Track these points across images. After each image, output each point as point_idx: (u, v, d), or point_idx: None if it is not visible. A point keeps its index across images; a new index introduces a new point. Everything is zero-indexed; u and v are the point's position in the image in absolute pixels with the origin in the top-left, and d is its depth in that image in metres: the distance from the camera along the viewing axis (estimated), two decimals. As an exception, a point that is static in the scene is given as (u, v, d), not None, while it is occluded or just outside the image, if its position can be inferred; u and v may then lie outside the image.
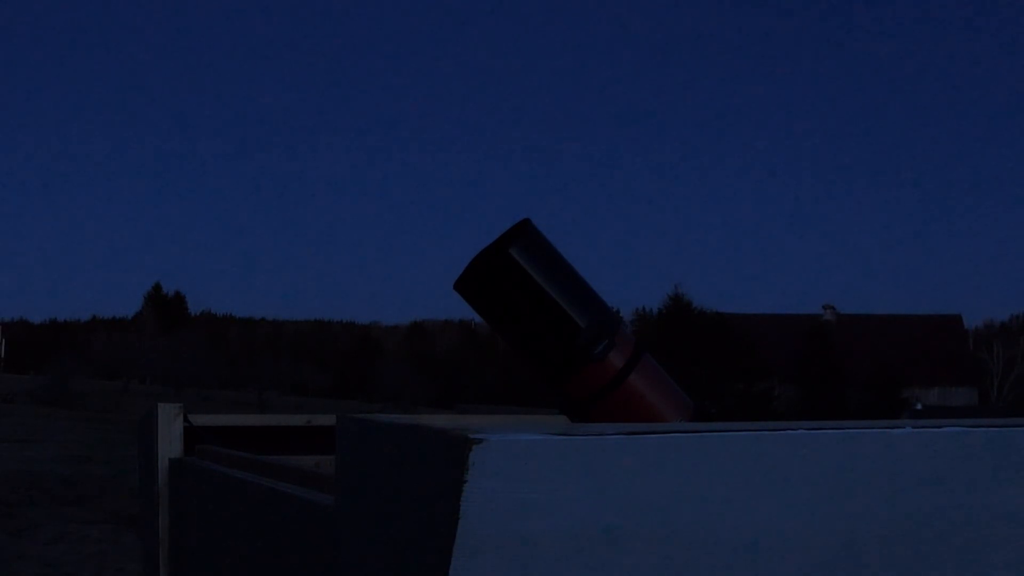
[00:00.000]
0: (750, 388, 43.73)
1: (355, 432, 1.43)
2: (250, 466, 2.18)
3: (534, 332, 1.94)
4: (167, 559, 2.58)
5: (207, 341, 57.06)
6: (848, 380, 46.38)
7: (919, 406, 44.73)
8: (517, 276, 1.90)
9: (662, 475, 1.23)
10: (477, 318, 2.09)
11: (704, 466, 1.25)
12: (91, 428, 23.25)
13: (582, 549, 1.21)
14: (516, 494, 1.17)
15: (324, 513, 1.64)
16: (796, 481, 1.30)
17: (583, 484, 1.19)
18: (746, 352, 44.61)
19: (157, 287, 69.62)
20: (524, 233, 1.93)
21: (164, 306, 66.89)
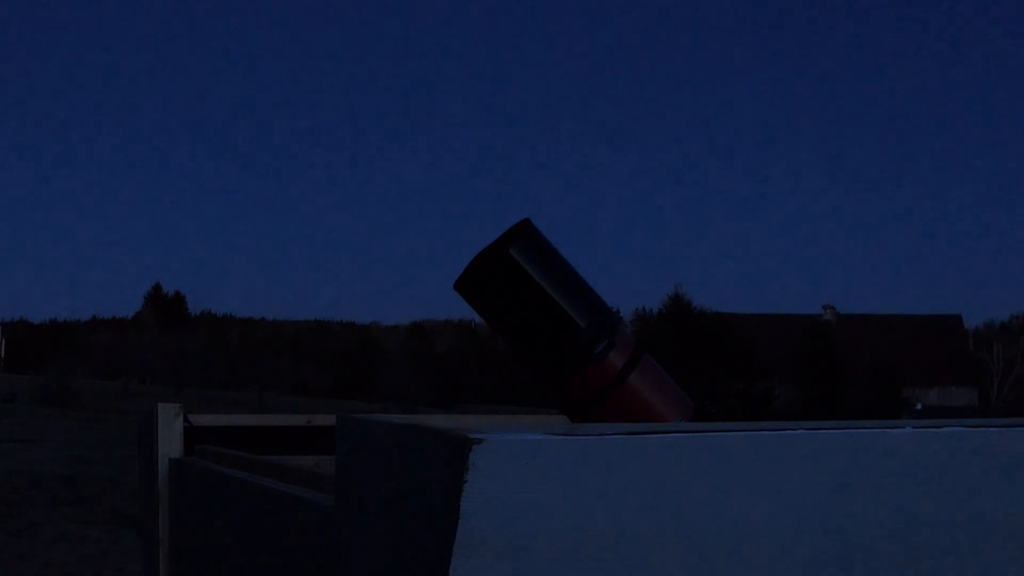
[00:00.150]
0: (750, 388, 43.73)
1: (355, 432, 1.43)
2: (250, 466, 2.18)
3: (534, 332, 1.94)
4: (167, 559, 2.58)
5: (207, 341, 57.06)
6: (848, 380, 46.37)
7: (919, 406, 44.74)
8: (517, 276, 1.90)
9: (662, 475, 1.23)
10: (477, 318, 2.09)
11: (704, 466, 1.25)
12: (91, 428, 23.26)
13: (582, 549, 1.21)
14: (516, 494, 1.17)
15: (324, 513, 1.64)
16: (796, 481, 1.30)
17: (583, 484, 1.19)
18: (746, 352, 44.61)
19: (157, 287, 69.68)
20: (524, 233, 1.93)
21: (164, 306, 66.90)
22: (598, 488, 1.20)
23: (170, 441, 2.54)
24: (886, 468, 1.34)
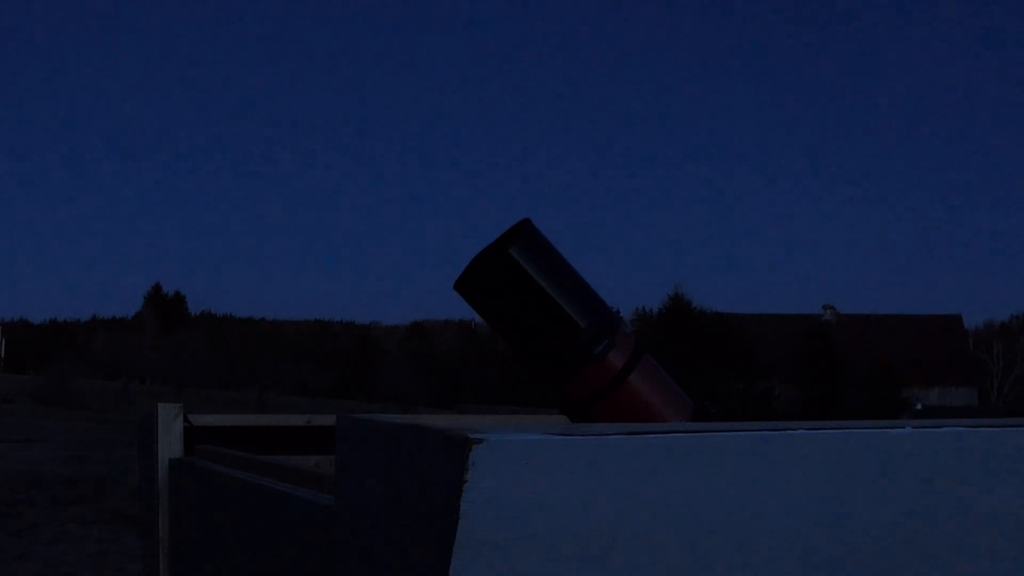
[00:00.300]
0: (750, 388, 43.74)
1: (355, 432, 1.43)
2: (250, 466, 2.18)
3: (534, 332, 1.94)
4: (167, 559, 2.58)
5: (207, 341, 57.07)
6: (848, 380, 46.38)
7: (919, 406, 44.73)
8: (517, 276, 1.90)
9: (662, 475, 1.23)
10: (477, 318, 2.10)
11: (704, 466, 1.25)
12: (91, 428, 23.27)
13: (582, 549, 1.21)
14: (516, 494, 1.17)
15: (324, 513, 1.64)
16: (796, 481, 1.30)
17: (583, 484, 1.19)
18: (746, 352, 44.62)
19: (157, 287, 69.66)
20: (524, 233, 1.93)
21: (164, 306, 66.91)
22: (598, 488, 1.20)
23: (170, 441, 2.54)
24: (886, 468, 1.34)
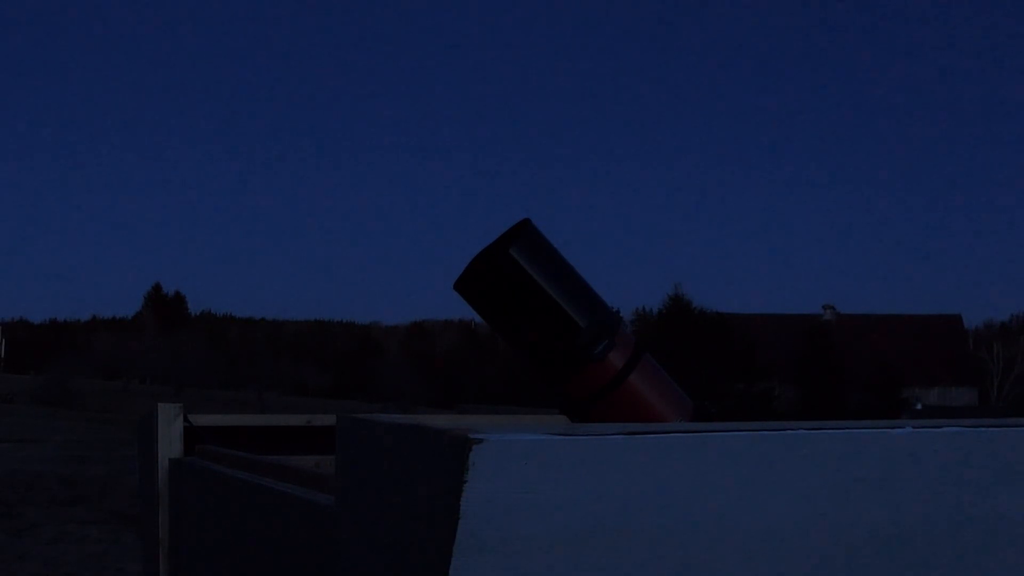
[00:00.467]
0: (750, 388, 43.73)
1: (355, 432, 1.43)
2: (250, 466, 2.18)
3: (534, 332, 1.94)
4: (167, 559, 2.58)
5: (207, 341, 57.05)
6: (848, 380, 46.37)
7: (919, 406, 44.73)
8: (517, 276, 1.90)
9: (662, 475, 1.23)
10: (477, 318, 2.10)
11: (704, 466, 1.25)
12: (91, 428, 23.26)
13: (582, 549, 1.21)
14: (516, 494, 1.17)
15: (324, 513, 1.64)
16: (796, 481, 1.30)
17: (583, 484, 1.19)
18: (746, 352, 44.61)
19: (157, 287, 69.68)
20: (524, 233, 1.93)
21: (164, 306, 66.89)
22: (598, 488, 1.20)
23: (170, 441, 2.54)
24: (886, 468, 1.34)
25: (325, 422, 2.76)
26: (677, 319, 45.93)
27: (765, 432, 1.28)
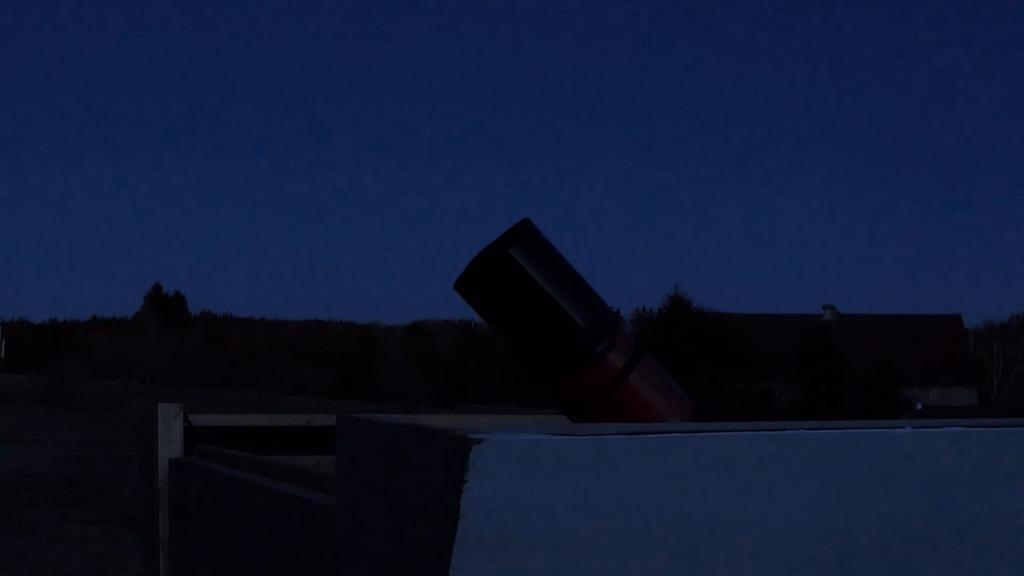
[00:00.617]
0: (750, 388, 43.75)
1: (355, 432, 1.43)
2: (250, 466, 2.18)
3: (534, 332, 1.94)
4: (167, 559, 2.58)
5: (207, 341, 57.05)
6: (848, 380, 46.38)
7: (919, 406, 44.71)
8: (517, 276, 1.90)
9: (662, 475, 1.23)
10: (477, 318, 2.10)
11: (704, 466, 1.25)
12: (91, 428, 23.26)
13: (582, 549, 1.21)
14: (516, 494, 1.17)
15: (324, 513, 1.64)
16: (796, 481, 1.30)
17: (583, 484, 1.19)
18: (746, 352, 44.64)
19: (157, 287, 69.65)
20: (524, 233, 1.93)
21: (164, 306, 66.89)
22: (598, 488, 1.20)
23: (170, 441, 2.54)
24: (886, 468, 1.34)
25: (325, 422, 2.76)
26: (677, 319, 45.96)
27: (765, 432, 1.28)
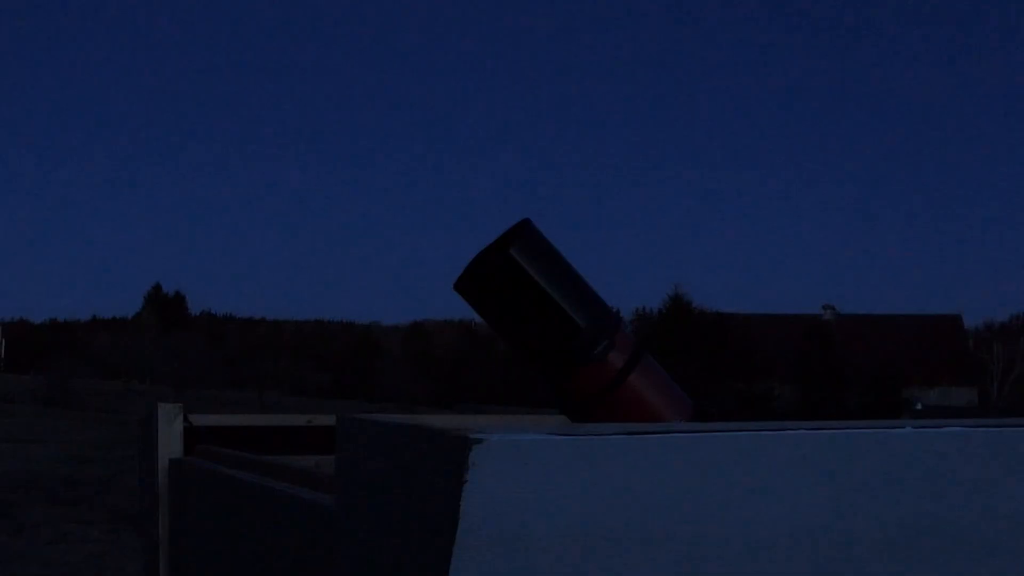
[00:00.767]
0: (750, 388, 43.76)
1: (355, 432, 1.43)
2: (250, 466, 2.18)
3: (534, 332, 1.94)
4: (167, 559, 2.58)
5: (207, 341, 57.04)
6: (848, 380, 46.39)
7: (919, 406, 44.71)
8: (517, 276, 1.90)
9: (662, 475, 1.23)
10: (477, 318, 2.10)
11: (704, 466, 1.25)
12: (91, 428, 23.25)
13: (582, 549, 1.21)
14: (516, 494, 1.17)
15: (324, 513, 1.64)
16: (796, 481, 1.30)
17: (583, 484, 1.19)
18: (746, 352, 44.65)
19: (157, 287, 69.65)
20: (524, 233, 1.93)
21: (164, 306, 66.88)
22: (598, 488, 1.20)
23: (170, 441, 2.54)
24: (886, 468, 1.34)
25: (325, 422, 2.76)
26: (677, 319, 45.98)
27: (765, 432, 1.28)
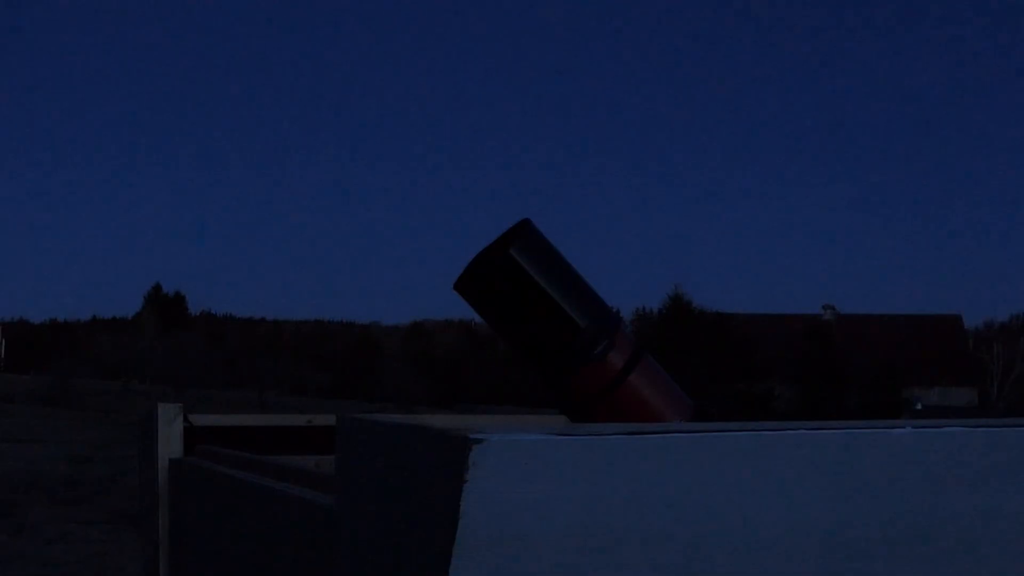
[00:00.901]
0: (750, 388, 43.76)
1: (355, 432, 1.43)
2: (250, 466, 2.18)
3: (534, 332, 1.94)
4: (167, 559, 2.58)
5: (207, 341, 57.04)
6: (848, 380, 46.39)
7: (919, 406, 44.73)
8: (517, 276, 1.90)
9: (662, 475, 1.23)
10: (477, 318, 2.10)
11: (704, 466, 1.25)
12: (91, 428, 23.26)
13: (582, 549, 1.21)
14: (516, 494, 1.17)
15: (324, 513, 1.64)
16: (796, 481, 1.30)
17: (583, 484, 1.19)
18: (746, 352, 44.66)
19: (157, 287, 69.64)
20: (524, 233, 1.93)
21: (164, 306, 66.87)
22: (598, 488, 1.20)
23: (170, 441, 2.54)
24: (886, 468, 1.34)
25: (325, 422, 2.76)
26: (677, 319, 45.98)
27: (765, 432, 1.28)
